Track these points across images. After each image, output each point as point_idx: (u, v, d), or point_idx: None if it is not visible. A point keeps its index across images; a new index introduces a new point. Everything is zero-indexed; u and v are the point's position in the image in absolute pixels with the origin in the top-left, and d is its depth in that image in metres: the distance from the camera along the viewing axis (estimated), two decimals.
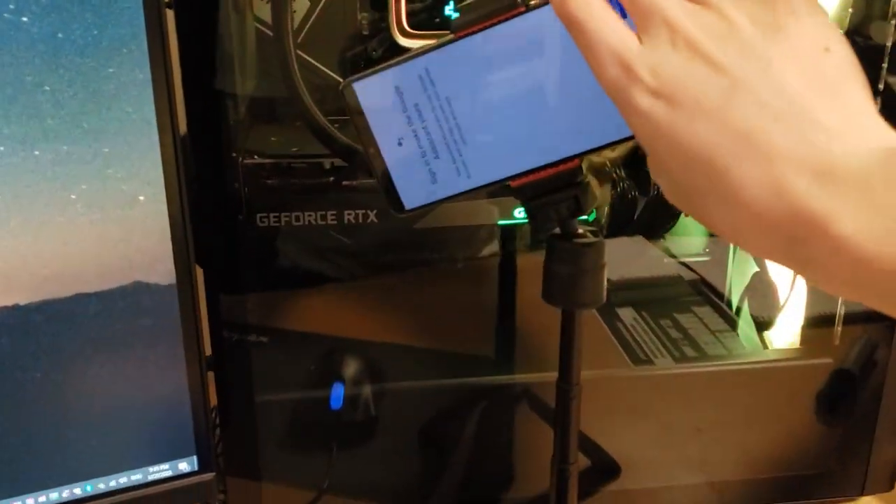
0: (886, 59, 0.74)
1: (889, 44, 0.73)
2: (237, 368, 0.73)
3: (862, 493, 0.84)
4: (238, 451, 0.75)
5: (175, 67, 0.60)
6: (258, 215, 0.73)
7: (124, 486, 0.65)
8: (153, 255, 0.60)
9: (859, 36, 0.76)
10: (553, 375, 0.59)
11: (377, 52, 0.79)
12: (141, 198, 0.58)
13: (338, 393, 0.80)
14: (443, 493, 0.81)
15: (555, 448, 0.64)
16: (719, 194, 0.33)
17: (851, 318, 0.82)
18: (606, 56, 0.35)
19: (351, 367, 0.81)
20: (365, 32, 0.77)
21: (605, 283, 0.58)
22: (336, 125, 0.75)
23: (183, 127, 0.63)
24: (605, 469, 0.82)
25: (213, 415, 0.72)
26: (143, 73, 0.56)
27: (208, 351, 0.68)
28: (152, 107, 0.57)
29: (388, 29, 0.72)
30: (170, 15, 0.58)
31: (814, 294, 0.84)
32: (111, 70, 0.55)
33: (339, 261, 0.80)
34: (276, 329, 0.77)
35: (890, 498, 0.86)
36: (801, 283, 0.85)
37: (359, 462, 0.80)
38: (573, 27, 0.36)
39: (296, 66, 0.69)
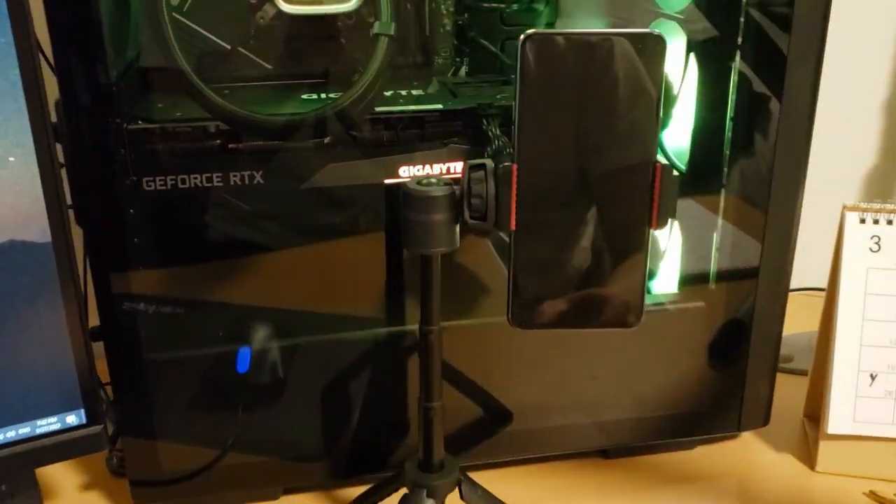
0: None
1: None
2: (127, 333, 0.74)
3: (739, 429, 0.89)
4: (133, 412, 0.77)
5: (43, 33, 0.63)
6: (145, 179, 0.75)
7: (13, 439, 0.68)
8: (27, 214, 0.62)
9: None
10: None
11: (264, 19, 0.81)
12: (11, 159, 0.61)
13: (244, 357, 0.82)
14: (342, 443, 0.84)
15: (420, 389, 0.67)
16: None
17: (725, 271, 0.87)
18: None
19: (251, 332, 0.83)
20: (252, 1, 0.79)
21: (457, 229, 0.62)
22: (225, 92, 0.77)
23: (55, 91, 0.65)
24: (497, 417, 0.86)
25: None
26: (5, 37, 0.58)
27: (93, 307, 0.71)
28: (17, 70, 0.59)
29: None
30: None
31: (688, 243, 0.89)
32: None
33: (232, 226, 0.82)
34: (167, 293, 0.78)
35: (765, 432, 0.91)
36: (678, 233, 0.89)
37: (262, 421, 0.82)
38: None
39: (171, 33, 0.71)
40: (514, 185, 0.59)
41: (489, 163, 0.60)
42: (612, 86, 0.57)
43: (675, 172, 0.60)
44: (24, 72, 0.59)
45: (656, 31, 0.57)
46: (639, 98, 0.58)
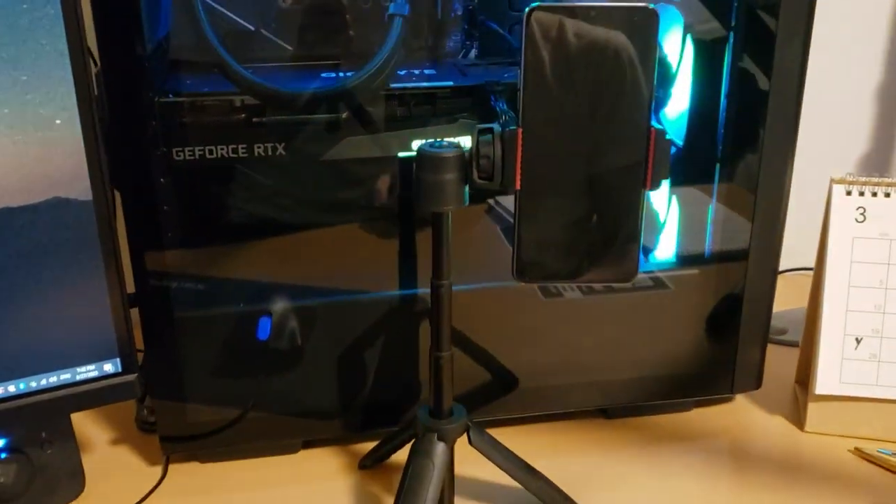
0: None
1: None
2: (156, 291, 0.80)
3: (732, 391, 0.94)
4: (163, 370, 0.82)
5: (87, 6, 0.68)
6: (174, 150, 0.80)
7: (55, 384, 0.73)
8: (72, 173, 0.68)
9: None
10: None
11: (286, 2, 0.86)
12: (58, 121, 0.66)
13: (264, 325, 0.87)
14: (359, 400, 0.89)
15: (431, 338, 0.73)
16: None
17: (718, 251, 0.92)
18: None
19: (273, 298, 0.88)
20: None
21: (466, 189, 0.67)
22: (249, 70, 0.82)
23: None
24: (501, 378, 0.91)
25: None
26: (55, 9, 0.63)
27: (128, 267, 0.76)
28: (64, 40, 0.65)
29: None
30: None
31: (685, 218, 0.94)
32: (24, 6, 0.62)
33: (253, 196, 0.87)
34: (192, 257, 0.83)
35: (758, 396, 0.96)
36: (675, 208, 0.94)
37: (282, 380, 0.87)
38: None
39: (203, 14, 0.77)
40: (519, 148, 0.64)
41: (496, 127, 0.65)
42: (610, 55, 0.63)
43: (668, 137, 0.65)
44: (71, 40, 0.64)
45: (650, 4, 0.62)
46: (634, 67, 0.63)
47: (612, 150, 0.65)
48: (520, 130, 0.64)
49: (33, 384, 0.72)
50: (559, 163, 0.65)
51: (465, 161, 0.67)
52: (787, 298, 0.95)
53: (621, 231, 0.67)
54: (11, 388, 0.71)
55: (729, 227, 0.91)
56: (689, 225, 0.95)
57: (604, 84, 0.63)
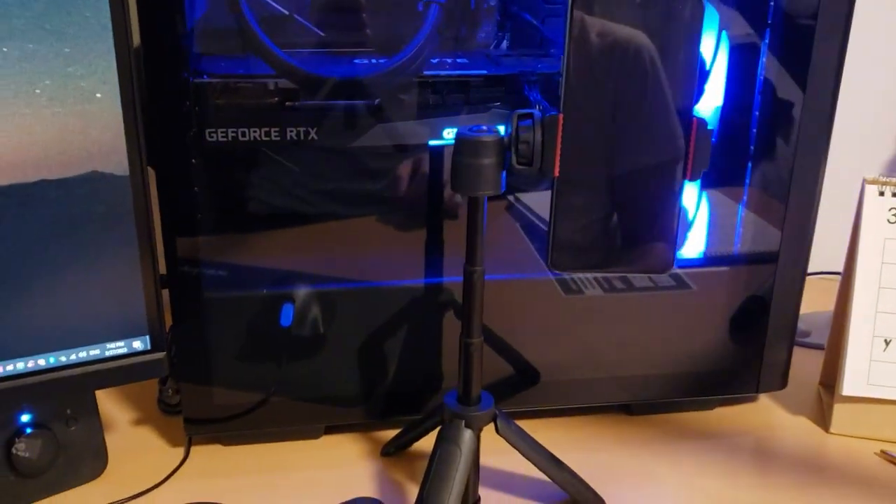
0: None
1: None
2: (185, 271, 0.80)
3: (757, 391, 0.93)
4: (190, 352, 0.82)
5: None
6: (207, 131, 0.80)
7: (84, 359, 0.73)
8: (110, 147, 0.68)
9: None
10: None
11: None
12: (98, 95, 0.66)
13: (287, 312, 0.87)
14: (382, 388, 0.89)
15: (462, 325, 0.72)
16: None
17: (747, 240, 0.91)
18: None
19: (298, 283, 0.88)
20: None
21: (503, 174, 0.67)
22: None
23: (137, 39, 0.71)
24: (525, 371, 0.90)
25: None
26: None
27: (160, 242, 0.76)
28: (108, 13, 0.65)
29: None
30: None
31: (715, 214, 0.93)
32: None
33: (283, 181, 0.87)
34: (221, 240, 0.83)
35: (782, 397, 0.95)
36: (705, 208, 0.94)
37: (306, 366, 0.87)
38: None
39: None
40: (560, 134, 0.64)
41: (537, 112, 0.65)
42: (655, 44, 0.62)
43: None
44: (115, 15, 0.64)
45: None
46: (679, 56, 0.63)
47: (654, 138, 0.65)
48: (560, 116, 0.64)
49: (63, 359, 0.72)
50: (599, 150, 0.65)
51: (504, 146, 0.66)
52: (811, 302, 0.94)
53: (659, 221, 0.67)
54: (41, 362, 0.71)
55: (759, 228, 0.91)
56: (719, 224, 0.95)
57: (647, 73, 0.63)
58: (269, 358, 0.86)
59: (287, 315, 0.86)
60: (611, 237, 0.67)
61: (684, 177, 0.65)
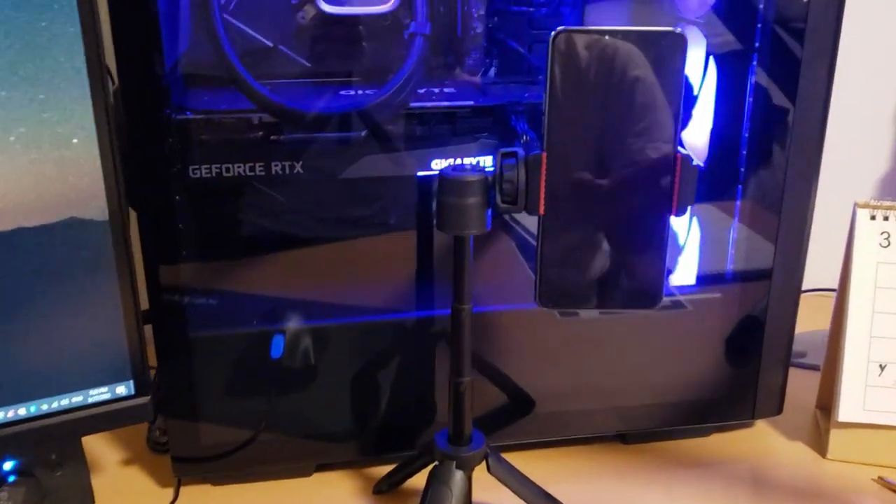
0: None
1: None
2: (171, 310, 0.79)
3: (753, 417, 0.92)
4: (176, 390, 0.81)
5: (106, 24, 0.67)
6: (190, 167, 0.79)
7: (67, 406, 0.72)
8: (88, 192, 0.67)
9: None
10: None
11: (304, 19, 0.86)
12: (75, 140, 0.65)
13: (277, 343, 0.86)
14: (372, 425, 0.88)
15: (451, 364, 0.71)
16: None
17: (741, 270, 0.90)
18: None
19: (288, 317, 0.87)
20: (293, 1, 0.84)
21: (488, 213, 0.66)
22: (267, 86, 0.81)
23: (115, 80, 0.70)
24: (519, 401, 0.89)
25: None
26: (74, 27, 0.62)
27: (143, 285, 0.75)
28: (83, 58, 0.64)
29: None
30: None
31: (706, 241, 0.92)
32: (43, 23, 0.61)
33: (270, 214, 0.86)
34: (207, 276, 0.82)
35: (778, 422, 0.94)
36: (696, 229, 0.93)
37: (296, 402, 0.86)
38: None
39: (222, 31, 0.76)
40: (544, 172, 0.63)
41: (520, 151, 0.64)
42: (636, 80, 0.62)
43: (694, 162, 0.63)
44: (90, 59, 0.63)
45: (678, 28, 0.61)
46: (661, 92, 0.62)
47: (638, 175, 0.64)
48: (544, 155, 0.63)
49: (44, 407, 0.71)
50: (584, 187, 0.64)
51: (489, 185, 0.65)
52: (806, 320, 0.93)
53: (646, 256, 0.66)
54: (22, 412, 0.70)
55: (751, 248, 0.90)
56: (710, 246, 0.94)
57: (629, 109, 0.62)
58: (257, 394, 0.85)
59: (277, 347, 0.85)
60: (598, 274, 0.66)
61: (669, 212, 0.64)
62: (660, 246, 0.65)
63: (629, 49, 0.61)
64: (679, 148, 0.63)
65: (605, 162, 0.64)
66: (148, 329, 0.78)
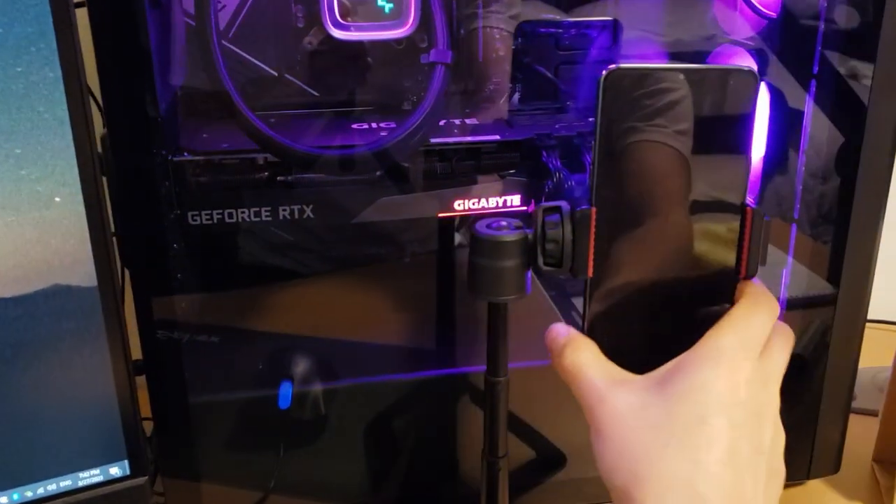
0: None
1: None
2: (171, 370, 0.71)
3: (808, 477, 0.84)
4: (175, 453, 0.74)
5: (91, 66, 0.59)
6: (190, 213, 0.72)
7: (54, 492, 0.64)
8: (73, 256, 0.59)
9: None
10: None
11: (311, 44, 0.78)
12: (57, 199, 0.57)
13: (285, 392, 0.79)
14: (390, 489, 0.81)
15: (484, 441, 0.63)
16: None
17: (794, 304, 0.83)
18: None
19: (293, 366, 0.80)
20: (299, 25, 0.76)
21: (528, 275, 0.58)
22: (271, 120, 0.74)
23: (100, 126, 0.62)
24: (551, 460, 0.82)
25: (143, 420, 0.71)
26: (54, 72, 0.55)
27: (137, 354, 0.67)
28: (65, 106, 0.56)
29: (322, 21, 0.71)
30: (81, 12, 0.56)
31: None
32: (19, 69, 0.53)
33: (277, 258, 0.79)
34: (211, 329, 0.76)
35: (836, 480, 0.86)
36: None
37: (305, 461, 0.79)
38: None
39: (221, 62, 0.68)
40: (593, 230, 0.55)
41: (564, 205, 0.56)
42: (700, 124, 0.54)
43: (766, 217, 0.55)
44: (72, 107, 0.55)
45: (749, 66, 0.53)
46: (729, 136, 0.54)
47: (701, 230, 0.55)
48: (593, 210, 0.55)
49: (28, 494, 0.63)
50: (637, 246, 0.56)
51: (529, 245, 0.57)
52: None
53: (706, 324, 0.57)
54: (4, 500, 0.62)
55: (809, 287, 0.82)
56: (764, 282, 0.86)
57: (692, 157, 0.54)
58: (263, 454, 0.78)
59: (285, 398, 0.78)
60: (652, 342, 0.58)
61: (738, 276, 0.56)
62: (723, 313, 0.57)
63: (692, 89, 0.53)
64: (748, 199, 0.55)
65: (662, 216, 0.56)
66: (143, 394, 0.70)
